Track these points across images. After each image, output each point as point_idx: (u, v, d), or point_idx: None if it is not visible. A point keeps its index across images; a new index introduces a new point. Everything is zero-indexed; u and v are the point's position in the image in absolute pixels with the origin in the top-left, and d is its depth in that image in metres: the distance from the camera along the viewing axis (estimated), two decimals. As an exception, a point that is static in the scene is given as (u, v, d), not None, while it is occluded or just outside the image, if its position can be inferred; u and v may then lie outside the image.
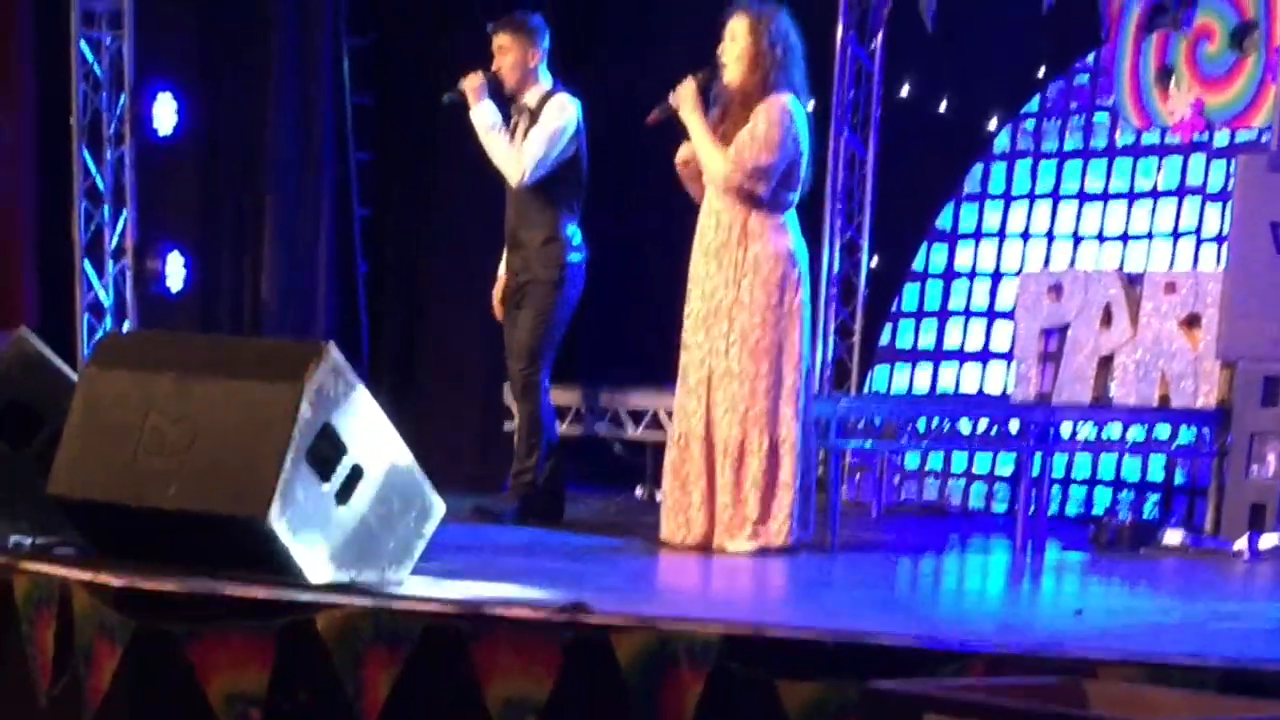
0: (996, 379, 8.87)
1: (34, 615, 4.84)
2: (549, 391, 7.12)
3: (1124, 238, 8.62)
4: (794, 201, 6.47)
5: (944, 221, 9.18)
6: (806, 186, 6.53)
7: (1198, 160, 8.41)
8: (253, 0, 9.17)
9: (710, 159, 6.38)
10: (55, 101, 8.66)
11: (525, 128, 7.05)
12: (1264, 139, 8.09)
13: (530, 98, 7.08)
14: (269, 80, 9.16)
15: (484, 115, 7.02)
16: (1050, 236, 8.86)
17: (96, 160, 8.71)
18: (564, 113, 6.99)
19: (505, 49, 7.06)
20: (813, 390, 6.54)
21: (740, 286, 6.34)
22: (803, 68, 6.50)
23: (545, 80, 7.11)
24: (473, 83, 7.03)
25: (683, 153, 6.53)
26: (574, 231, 7.08)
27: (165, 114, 8.84)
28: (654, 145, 8.31)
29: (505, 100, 7.16)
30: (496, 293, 7.26)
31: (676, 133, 6.60)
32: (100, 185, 8.71)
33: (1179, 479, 8.12)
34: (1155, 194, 8.55)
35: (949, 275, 9.13)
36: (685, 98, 6.40)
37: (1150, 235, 8.52)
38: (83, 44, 8.64)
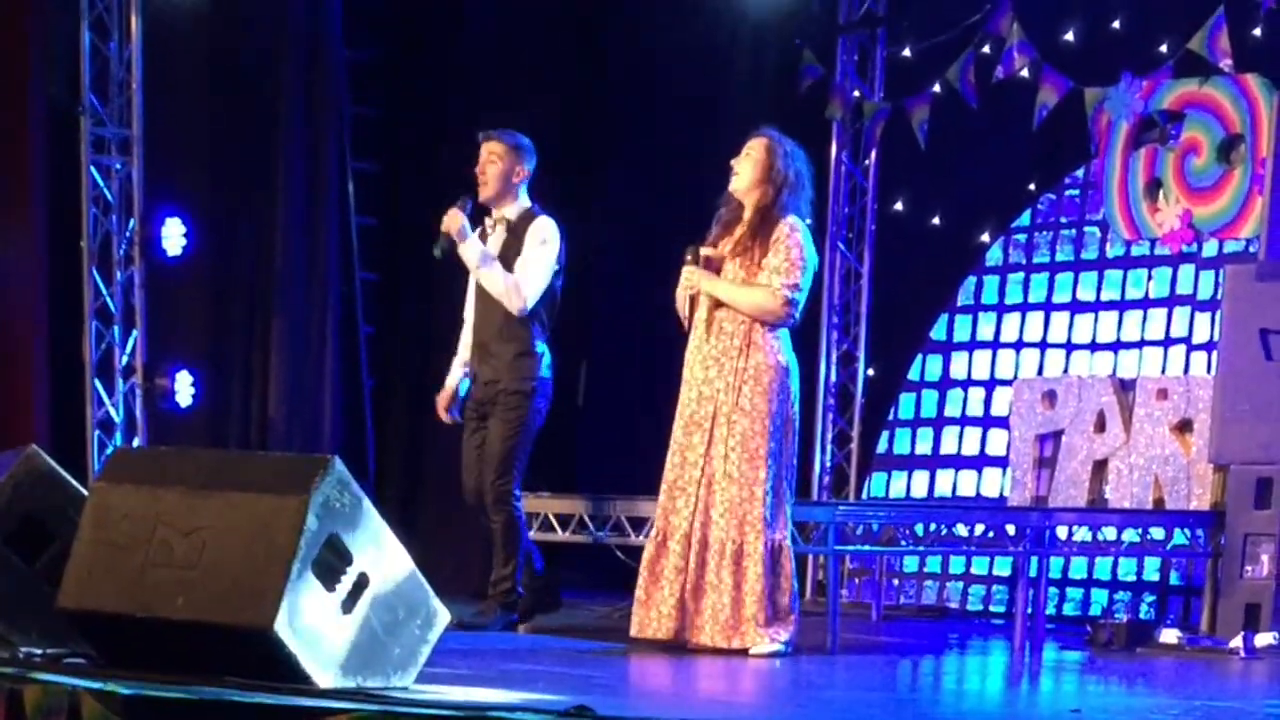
0: (992, 484, 8.93)
1: (44, 724, 4.89)
2: (521, 499, 7.21)
3: (1115, 346, 8.71)
4: (797, 320, 6.60)
5: (938, 332, 9.28)
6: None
7: (1187, 270, 8.51)
8: (259, 126, 9.35)
9: (754, 299, 6.48)
10: (67, 225, 8.79)
11: (503, 239, 7.18)
12: (1251, 249, 8.21)
13: (510, 211, 7.21)
14: (276, 202, 9.30)
15: (474, 252, 7.14)
16: (1043, 345, 8.96)
17: (106, 281, 8.84)
18: (555, 239, 7.15)
19: (496, 158, 7.18)
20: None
21: (741, 393, 6.45)
22: (810, 196, 6.68)
23: (525, 198, 7.25)
24: (455, 223, 7.11)
25: (684, 310, 6.62)
26: (544, 349, 7.19)
27: (174, 236, 8.96)
28: (654, 261, 8.48)
29: (481, 209, 7.29)
30: (444, 399, 7.35)
31: (678, 247, 6.73)
32: (110, 306, 8.83)
33: (1174, 579, 8.18)
34: (1146, 303, 8.66)
35: (944, 384, 9.23)
36: (697, 273, 6.53)
37: (1142, 343, 8.61)
38: (93, 170, 8.81)
